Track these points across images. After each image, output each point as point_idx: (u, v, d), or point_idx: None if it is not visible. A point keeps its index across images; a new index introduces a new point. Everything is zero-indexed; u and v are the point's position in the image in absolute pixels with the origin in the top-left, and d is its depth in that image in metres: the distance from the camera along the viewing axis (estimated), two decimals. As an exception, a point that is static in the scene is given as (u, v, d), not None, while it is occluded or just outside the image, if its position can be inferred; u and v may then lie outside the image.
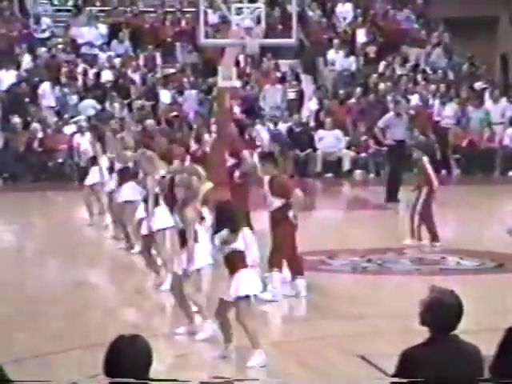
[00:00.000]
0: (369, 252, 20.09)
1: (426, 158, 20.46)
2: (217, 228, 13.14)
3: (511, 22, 35.27)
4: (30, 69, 32.12)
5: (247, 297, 12.78)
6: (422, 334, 7.80)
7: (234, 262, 12.77)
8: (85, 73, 32.23)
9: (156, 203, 17.16)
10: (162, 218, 16.67)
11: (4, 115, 30.73)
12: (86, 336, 13.14)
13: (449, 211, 25.69)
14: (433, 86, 32.13)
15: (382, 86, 32.31)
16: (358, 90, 32.07)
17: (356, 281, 18.47)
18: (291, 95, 32.02)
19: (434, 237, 20.04)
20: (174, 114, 30.96)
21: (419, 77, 32.99)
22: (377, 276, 18.49)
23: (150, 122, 29.54)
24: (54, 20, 34.03)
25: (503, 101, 30.37)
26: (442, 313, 7.77)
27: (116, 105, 31.15)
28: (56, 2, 34.66)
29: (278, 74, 32.42)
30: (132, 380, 6.22)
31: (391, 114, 26.64)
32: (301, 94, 32.10)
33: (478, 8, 34.11)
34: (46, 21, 33.76)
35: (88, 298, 15.97)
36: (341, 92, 32.17)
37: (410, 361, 7.74)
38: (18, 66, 32.13)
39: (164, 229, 16.76)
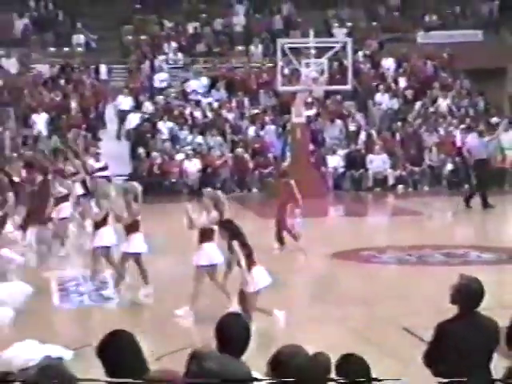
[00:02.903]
0: (409, 248, 19.99)
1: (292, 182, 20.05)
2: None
3: None
4: (150, 112, 32.20)
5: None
6: (451, 311, 7.77)
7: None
8: (191, 114, 32.28)
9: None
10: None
11: (132, 147, 30.84)
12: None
13: (472, 215, 25.55)
14: (455, 121, 31.88)
15: (417, 121, 32.12)
16: (399, 124, 31.89)
17: (400, 270, 18.36)
18: (351, 128, 31.93)
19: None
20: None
21: (446, 113, 32.71)
22: (416, 267, 18.36)
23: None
24: (170, 75, 34.02)
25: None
26: (468, 295, 7.82)
27: (216, 138, 31.20)
28: (171, 62, 34.59)
29: (337, 114, 32.29)
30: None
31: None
32: (358, 128, 31.94)
33: (490, 61, 33.97)
34: (163, 76, 33.79)
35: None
36: (386, 126, 32.06)
37: (443, 331, 7.74)
38: (141, 109, 32.27)
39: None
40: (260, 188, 29.57)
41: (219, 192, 16.68)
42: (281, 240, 19.86)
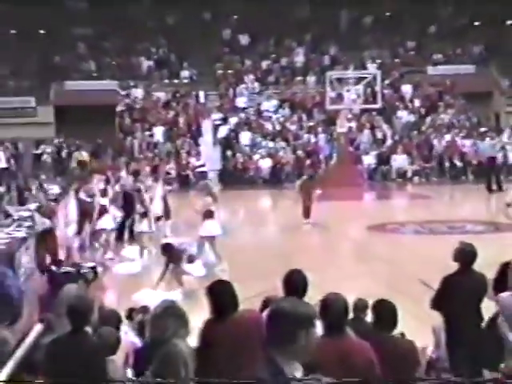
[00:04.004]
0: (422, 222, 19.89)
1: None
2: None
3: (500, 95, 34.51)
4: (235, 124, 32.19)
5: None
6: (454, 267, 7.76)
7: None
8: (264, 126, 32.21)
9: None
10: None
11: (222, 150, 30.79)
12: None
13: (468, 197, 25.31)
14: (456, 131, 31.53)
15: (428, 130, 31.83)
16: (415, 132, 31.61)
17: (416, 239, 18.29)
18: (379, 135, 31.64)
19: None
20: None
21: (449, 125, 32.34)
22: (427, 236, 18.30)
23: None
24: (249, 98, 33.87)
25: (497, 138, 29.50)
26: (465, 255, 7.78)
27: (282, 143, 31.15)
28: (249, 89, 34.38)
29: (369, 125, 32.01)
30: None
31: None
32: (384, 135, 31.65)
33: (481, 87, 33.53)
34: (244, 99, 33.66)
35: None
36: (405, 134, 31.77)
37: (447, 282, 7.72)
38: (228, 123, 32.26)
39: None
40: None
41: (210, 183, 16.91)
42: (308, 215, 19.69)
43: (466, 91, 33.07)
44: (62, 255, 13.38)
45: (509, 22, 36.69)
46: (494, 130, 31.47)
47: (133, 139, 31.08)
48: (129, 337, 7.63)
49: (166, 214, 17.42)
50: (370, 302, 6.90)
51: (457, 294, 7.56)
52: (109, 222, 15.94)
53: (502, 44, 35.79)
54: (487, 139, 27.83)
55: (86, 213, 15.62)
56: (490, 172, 25.92)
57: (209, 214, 14.36)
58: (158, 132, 31.54)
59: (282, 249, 16.18)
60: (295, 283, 6.20)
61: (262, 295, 7.31)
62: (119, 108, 32.68)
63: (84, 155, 30.50)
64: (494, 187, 25.18)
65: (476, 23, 36.81)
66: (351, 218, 20.61)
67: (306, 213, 19.58)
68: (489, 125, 32.42)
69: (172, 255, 12.83)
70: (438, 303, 7.72)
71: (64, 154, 31.74)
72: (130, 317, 8.80)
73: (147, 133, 31.58)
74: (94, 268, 10.61)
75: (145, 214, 16.40)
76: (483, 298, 7.58)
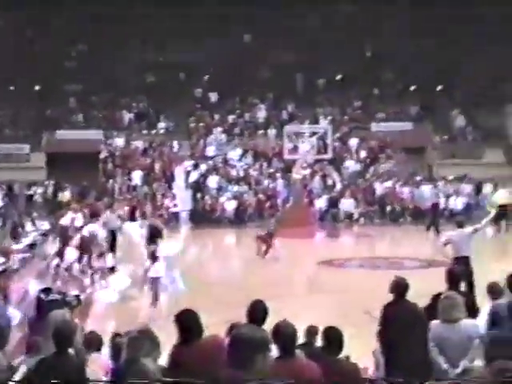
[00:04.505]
0: (365, 258, 19.95)
1: None
2: None
3: (433, 149, 34.76)
4: (204, 170, 32.06)
5: None
6: (390, 298, 7.77)
7: None
8: (230, 172, 32.21)
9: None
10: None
11: (193, 193, 30.55)
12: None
13: (405, 236, 25.38)
14: (396, 178, 31.76)
15: (372, 178, 32.02)
16: (361, 180, 31.82)
17: (359, 273, 18.32)
18: (329, 182, 31.75)
19: None
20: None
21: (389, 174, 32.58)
22: (369, 270, 18.34)
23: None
24: (217, 148, 33.74)
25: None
26: (400, 287, 7.76)
27: (244, 187, 31.08)
28: (217, 140, 34.33)
29: (321, 173, 32.13)
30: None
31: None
32: (333, 182, 31.81)
33: (416, 142, 33.90)
34: (212, 148, 33.59)
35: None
36: (352, 181, 31.91)
37: (384, 313, 7.71)
38: (198, 169, 32.12)
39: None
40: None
41: (159, 222, 16.57)
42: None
43: (404, 145, 33.33)
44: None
45: (439, 88, 37.24)
46: (427, 179, 31.79)
47: (114, 182, 30.94)
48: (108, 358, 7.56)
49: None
50: (321, 329, 6.91)
51: (391, 322, 7.55)
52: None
53: (435, 106, 36.29)
54: (429, 187, 28.12)
55: (66, 240, 15.23)
56: (432, 215, 25.94)
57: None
58: (137, 176, 31.41)
59: (245, 281, 16.13)
60: (256, 312, 6.20)
61: (228, 323, 7.29)
62: (102, 155, 32.49)
63: (66, 195, 30.37)
64: (433, 228, 25.09)
65: (412, 87, 37.29)
66: (305, 254, 20.62)
67: (266, 249, 19.64)
68: (423, 175, 32.69)
69: None
70: (380, 337, 7.67)
71: (52, 194, 31.57)
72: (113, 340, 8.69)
73: (127, 177, 31.46)
74: (77, 296, 10.52)
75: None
76: (415, 324, 7.58)
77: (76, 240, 15.45)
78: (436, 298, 7.60)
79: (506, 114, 33.39)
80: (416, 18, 37.49)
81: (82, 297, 11.71)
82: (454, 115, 35.64)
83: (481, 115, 35.00)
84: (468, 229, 13.24)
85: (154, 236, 15.70)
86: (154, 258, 13.69)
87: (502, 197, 26.50)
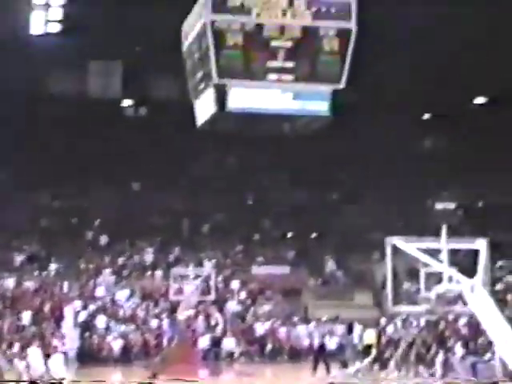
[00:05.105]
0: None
1: None
2: None
3: (308, 292, 36.42)
4: (93, 311, 32.24)
5: None
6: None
7: None
8: (117, 312, 32.60)
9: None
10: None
11: (81, 332, 30.77)
12: None
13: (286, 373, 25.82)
14: (275, 319, 32.78)
15: (253, 318, 32.93)
16: (242, 320, 32.78)
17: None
18: (212, 322, 31.94)
19: None
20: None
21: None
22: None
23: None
24: (106, 288, 34.21)
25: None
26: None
27: (131, 327, 31.49)
28: (106, 281, 34.69)
29: (204, 313, 32.25)
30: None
31: None
32: (216, 322, 32.31)
33: (293, 284, 35.82)
34: (102, 289, 34.08)
35: None
36: (235, 323, 32.74)
37: None
38: (87, 309, 32.54)
39: None
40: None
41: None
42: None
43: (282, 288, 35.03)
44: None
45: (314, 234, 39.66)
46: (303, 320, 33.40)
47: (3, 322, 30.89)
48: None
49: None
50: None
51: None
52: None
53: (309, 252, 38.65)
54: (305, 327, 28.98)
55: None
56: (317, 356, 26.37)
57: None
58: (26, 316, 31.48)
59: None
60: None
61: None
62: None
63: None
64: (319, 369, 25.28)
65: (289, 234, 39.68)
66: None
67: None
68: (299, 315, 34.17)
69: None
70: None
71: None
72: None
73: (16, 317, 31.49)
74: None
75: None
76: None
77: None
78: None
79: (373, 260, 36.03)
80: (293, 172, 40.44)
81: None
82: (327, 260, 38.03)
83: (351, 260, 37.61)
84: (351, 369, 14.17)
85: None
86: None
87: (369, 337, 28.16)
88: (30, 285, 34.10)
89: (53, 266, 35.89)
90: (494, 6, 30.26)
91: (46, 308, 32.38)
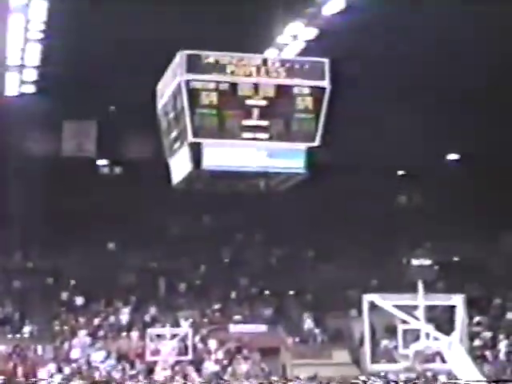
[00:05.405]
0: None
1: None
2: None
3: (286, 350, 35.86)
4: (65, 376, 32.02)
5: None
6: None
7: None
8: (92, 375, 32.19)
9: None
10: None
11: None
12: None
13: None
14: (252, 379, 32.68)
15: (231, 378, 32.52)
16: (219, 380, 32.54)
17: None
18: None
19: None
20: None
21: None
22: None
23: None
24: (81, 350, 33.71)
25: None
26: None
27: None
28: (82, 343, 34.21)
29: (182, 373, 31.95)
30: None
31: None
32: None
33: (271, 342, 35.23)
34: (77, 351, 33.63)
35: None
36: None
37: None
38: (62, 372, 32.13)
39: None
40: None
41: None
42: None
43: (260, 346, 34.79)
44: None
45: (291, 292, 39.52)
46: (281, 379, 33.05)
47: None
48: None
49: None
50: None
51: None
52: None
53: (286, 309, 38.47)
54: None
55: None
56: None
57: None
58: None
59: None
60: None
61: None
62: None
63: None
64: None
65: (266, 292, 39.46)
66: None
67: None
68: (278, 374, 33.90)
69: None
70: None
71: None
72: None
73: None
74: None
75: None
76: None
77: None
78: None
79: (350, 317, 35.99)
80: (269, 229, 40.50)
81: None
82: (304, 318, 37.84)
83: (328, 318, 37.55)
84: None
85: None
86: None
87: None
88: (2, 348, 33.49)
89: (26, 329, 35.37)
90: (468, 64, 30.80)
91: (19, 372, 31.85)
